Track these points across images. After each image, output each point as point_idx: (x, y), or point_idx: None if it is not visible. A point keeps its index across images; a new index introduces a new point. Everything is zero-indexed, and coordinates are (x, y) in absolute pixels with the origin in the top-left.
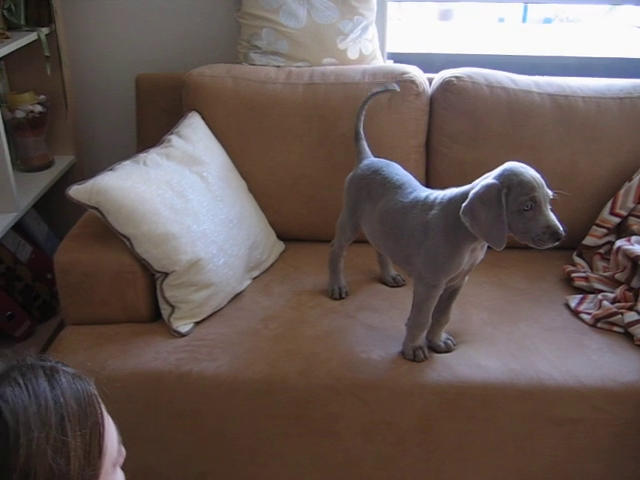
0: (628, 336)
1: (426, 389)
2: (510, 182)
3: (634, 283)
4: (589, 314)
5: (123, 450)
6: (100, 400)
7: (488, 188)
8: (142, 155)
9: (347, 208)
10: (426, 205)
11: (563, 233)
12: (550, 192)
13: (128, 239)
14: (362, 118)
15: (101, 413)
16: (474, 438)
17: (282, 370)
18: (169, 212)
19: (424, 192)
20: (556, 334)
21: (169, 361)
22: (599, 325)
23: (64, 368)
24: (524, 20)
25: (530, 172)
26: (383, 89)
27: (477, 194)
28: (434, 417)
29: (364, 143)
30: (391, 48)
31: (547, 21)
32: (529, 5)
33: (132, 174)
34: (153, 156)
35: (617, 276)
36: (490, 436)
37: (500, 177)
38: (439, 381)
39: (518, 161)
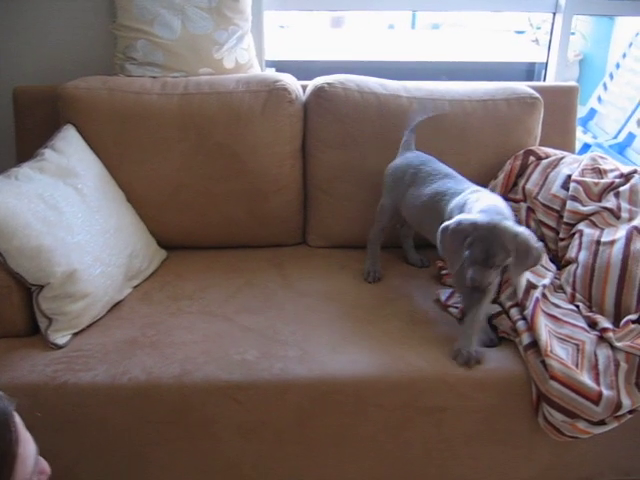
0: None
1: (298, 387)
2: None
3: None
4: (457, 308)
5: (45, 467)
6: (16, 420)
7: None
8: (14, 170)
9: (388, 192)
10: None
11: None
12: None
13: (0, 254)
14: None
15: (14, 435)
16: (349, 431)
17: (158, 376)
18: (41, 225)
19: (462, 184)
20: (426, 327)
21: (45, 373)
22: None
23: None
24: (413, 26)
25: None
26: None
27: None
28: (308, 413)
29: (413, 137)
30: (271, 56)
31: (435, 27)
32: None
33: (2, 189)
34: (25, 170)
35: None
36: (364, 429)
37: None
38: (311, 378)
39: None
